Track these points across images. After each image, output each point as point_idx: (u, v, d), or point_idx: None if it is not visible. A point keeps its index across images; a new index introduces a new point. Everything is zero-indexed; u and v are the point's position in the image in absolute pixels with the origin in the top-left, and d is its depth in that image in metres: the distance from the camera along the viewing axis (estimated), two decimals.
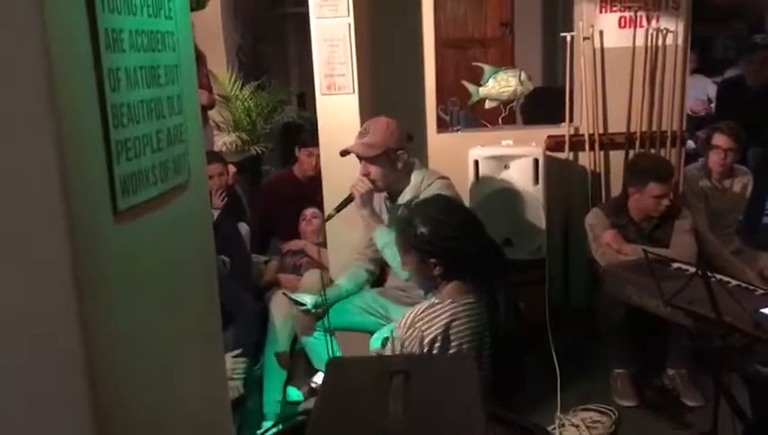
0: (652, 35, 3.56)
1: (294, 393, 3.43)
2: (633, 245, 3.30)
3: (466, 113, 4.61)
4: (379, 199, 2.93)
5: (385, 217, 2.88)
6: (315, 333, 2.95)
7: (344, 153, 2.81)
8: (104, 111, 0.93)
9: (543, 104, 4.15)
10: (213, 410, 1.23)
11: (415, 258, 2.06)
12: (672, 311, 2.32)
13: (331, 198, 3.38)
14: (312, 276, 3.40)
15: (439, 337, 1.90)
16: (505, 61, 6.27)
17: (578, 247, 3.70)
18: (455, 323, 1.93)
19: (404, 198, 2.80)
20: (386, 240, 2.68)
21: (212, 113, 4.76)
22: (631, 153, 3.69)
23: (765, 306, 2.14)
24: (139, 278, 1.04)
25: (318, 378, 2.14)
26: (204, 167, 1.26)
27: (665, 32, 3.56)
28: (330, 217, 2.79)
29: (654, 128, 3.67)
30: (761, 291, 2.35)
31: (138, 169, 1.00)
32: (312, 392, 3.16)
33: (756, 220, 4.67)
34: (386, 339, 2.38)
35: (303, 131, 4.36)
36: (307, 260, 3.80)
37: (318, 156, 3.74)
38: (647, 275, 2.52)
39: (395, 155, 2.76)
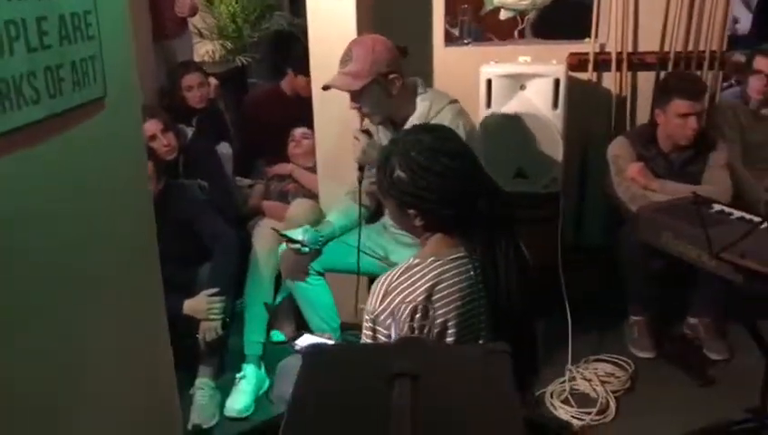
0: None
1: (278, 335, 3.14)
2: (661, 180, 2.94)
3: (474, 26, 4.12)
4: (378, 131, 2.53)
5: None
6: (309, 278, 2.60)
7: (326, 88, 2.40)
8: None
9: (558, 19, 3.66)
10: (151, 388, 0.91)
11: (393, 205, 1.67)
12: (717, 264, 1.98)
13: (323, 121, 2.99)
14: (300, 206, 3.05)
15: (420, 307, 1.52)
16: None
17: (595, 180, 3.33)
18: (439, 287, 1.53)
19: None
20: None
21: (193, 20, 4.27)
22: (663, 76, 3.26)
23: None
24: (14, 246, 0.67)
25: (305, 339, 1.81)
26: (134, 75, 0.88)
27: None
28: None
29: (691, 47, 3.23)
30: None
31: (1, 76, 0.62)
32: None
33: None
34: None
35: (295, 47, 3.88)
36: (295, 186, 3.43)
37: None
38: (687, 220, 2.18)
39: (386, 80, 2.33)
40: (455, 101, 2.46)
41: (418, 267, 1.57)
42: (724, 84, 3.65)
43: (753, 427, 2.29)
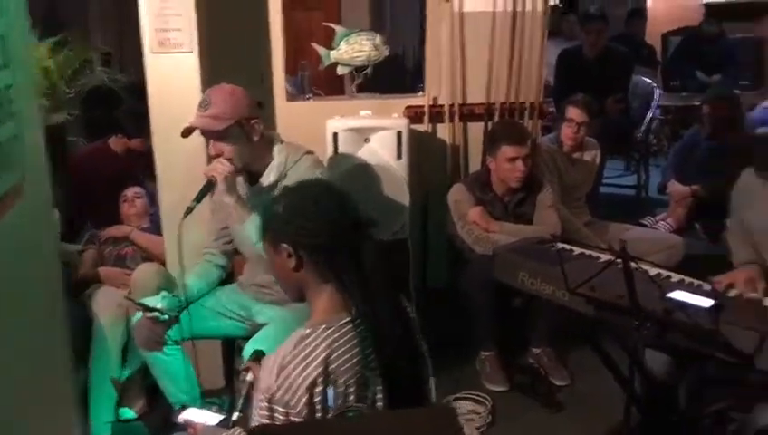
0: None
1: (127, 412, 2.90)
2: (500, 222, 3.15)
3: (313, 82, 4.19)
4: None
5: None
6: (166, 348, 2.43)
7: (187, 133, 2.31)
8: None
9: (393, 74, 3.86)
10: None
11: (272, 251, 1.63)
12: (572, 298, 2.16)
13: (167, 178, 2.87)
14: (146, 271, 2.84)
15: (319, 379, 1.47)
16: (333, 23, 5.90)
17: (437, 225, 3.49)
18: (334, 356, 1.50)
19: (268, 177, 2.37)
20: None
21: None
22: (491, 125, 3.52)
23: (670, 291, 2.03)
24: None
25: (190, 414, 1.68)
26: (42, 155, 0.79)
27: None
28: (189, 210, 2.26)
29: (512, 99, 3.53)
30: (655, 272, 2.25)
31: None
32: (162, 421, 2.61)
33: (596, 190, 4.78)
34: (257, 352, 1.96)
35: (116, 104, 3.71)
36: (133, 249, 3.23)
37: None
38: (539, 259, 2.35)
39: (249, 125, 2.31)
40: (310, 152, 2.48)
41: (311, 337, 1.52)
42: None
43: None
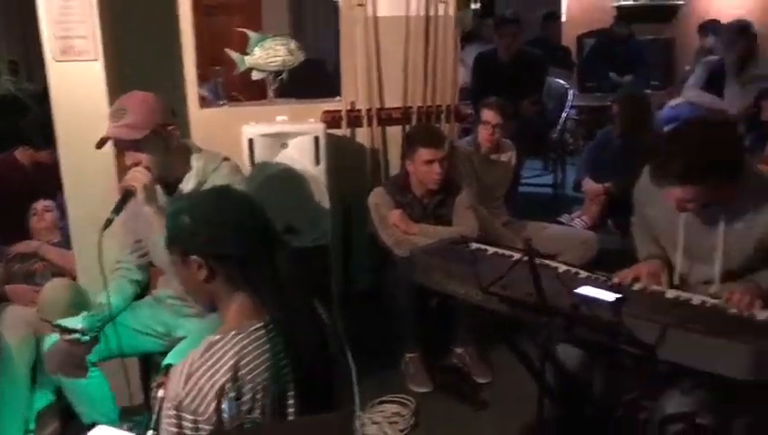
0: (426, 3, 3.42)
1: None
2: (420, 224, 3.19)
3: (227, 88, 4.15)
4: None
5: None
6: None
7: (101, 144, 2.24)
8: None
9: (309, 79, 3.84)
10: None
11: (180, 263, 1.60)
12: (485, 297, 2.19)
13: (75, 190, 2.78)
14: (57, 288, 2.74)
15: (228, 385, 1.46)
16: (253, 28, 5.86)
17: (359, 229, 3.49)
18: (244, 362, 1.49)
19: (187, 185, 2.30)
20: None
21: None
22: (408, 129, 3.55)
23: (577, 287, 2.08)
24: None
25: (100, 433, 1.62)
26: None
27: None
28: (109, 222, 2.15)
29: (429, 102, 3.56)
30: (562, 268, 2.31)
31: None
32: None
33: (514, 190, 4.88)
34: (168, 366, 1.92)
35: (23, 114, 3.58)
36: (43, 265, 3.12)
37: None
38: (454, 260, 2.38)
39: (166, 132, 2.26)
40: (227, 159, 2.44)
41: (220, 343, 1.51)
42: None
43: None
